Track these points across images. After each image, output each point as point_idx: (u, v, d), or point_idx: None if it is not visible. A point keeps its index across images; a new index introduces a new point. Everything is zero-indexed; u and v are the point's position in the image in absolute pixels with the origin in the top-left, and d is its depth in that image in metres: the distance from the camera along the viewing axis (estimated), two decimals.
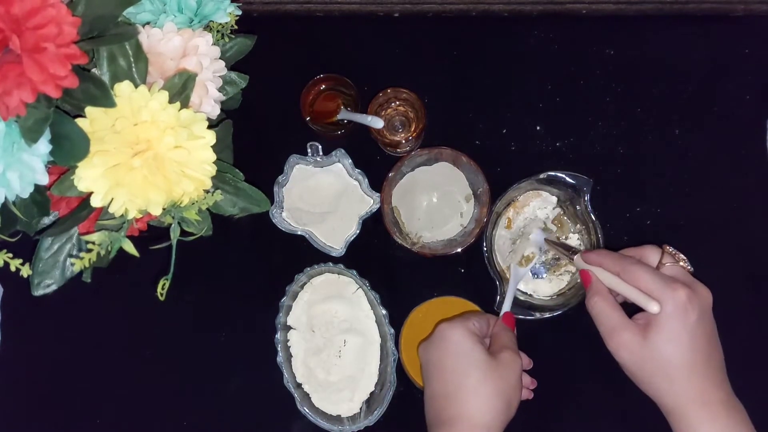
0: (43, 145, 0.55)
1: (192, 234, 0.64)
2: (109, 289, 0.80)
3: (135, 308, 0.82)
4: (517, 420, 0.79)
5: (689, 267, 0.66)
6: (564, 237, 0.79)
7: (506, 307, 0.74)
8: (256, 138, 0.82)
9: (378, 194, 0.80)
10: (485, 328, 0.71)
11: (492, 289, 0.76)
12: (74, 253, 0.65)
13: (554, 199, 0.80)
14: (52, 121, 0.54)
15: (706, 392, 0.61)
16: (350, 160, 0.80)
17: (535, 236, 0.78)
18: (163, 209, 0.60)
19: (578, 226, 0.79)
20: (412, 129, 0.79)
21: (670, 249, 0.67)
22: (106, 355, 0.82)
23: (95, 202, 0.57)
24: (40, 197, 0.60)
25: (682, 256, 0.67)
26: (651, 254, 0.67)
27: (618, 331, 0.64)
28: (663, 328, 0.61)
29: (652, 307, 0.62)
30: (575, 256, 0.70)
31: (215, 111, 0.65)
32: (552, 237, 0.78)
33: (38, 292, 0.65)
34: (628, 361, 0.63)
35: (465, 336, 0.67)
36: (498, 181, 0.78)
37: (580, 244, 0.79)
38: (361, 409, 0.78)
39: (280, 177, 0.80)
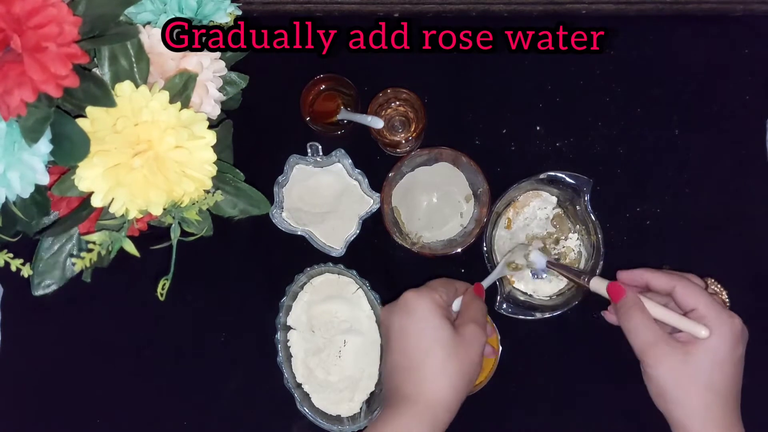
0: (44, 145, 0.55)
1: (192, 234, 0.64)
2: (109, 289, 0.80)
3: (135, 308, 0.82)
4: (517, 419, 0.79)
5: (727, 301, 0.66)
6: (564, 237, 0.79)
7: (485, 283, 0.73)
8: (256, 138, 0.82)
9: (378, 194, 0.79)
10: (452, 296, 0.69)
11: (492, 289, 0.76)
12: (74, 253, 0.65)
13: (554, 199, 0.80)
14: (52, 121, 0.55)
15: (734, 427, 0.61)
16: (350, 160, 0.80)
17: (536, 258, 0.75)
18: (164, 209, 0.60)
19: (578, 226, 0.79)
20: (412, 129, 0.79)
21: (715, 283, 0.67)
22: (106, 355, 0.82)
23: (96, 202, 0.58)
24: (40, 197, 0.60)
25: (725, 294, 0.67)
26: (697, 282, 0.67)
27: (659, 345, 0.62)
28: (713, 352, 0.61)
29: (700, 332, 0.61)
30: (592, 280, 0.69)
31: (215, 111, 0.65)
32: (552, 258, 0.76)
33: (38, 292, 0.66)
34: (664, 376, 0.62)
35: (431, 310, 0.65)
36: (498, 181, 0.78)
37: (580, 251, 0.79)
38: (361, 409, 0.78)
39: (280, 177, 0.80)
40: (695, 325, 0.62)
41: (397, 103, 0.80)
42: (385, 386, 0.68)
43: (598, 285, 0.69)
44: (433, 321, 0.65)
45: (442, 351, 0.64)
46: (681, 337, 0.64)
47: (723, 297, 0.66)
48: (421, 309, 0.65)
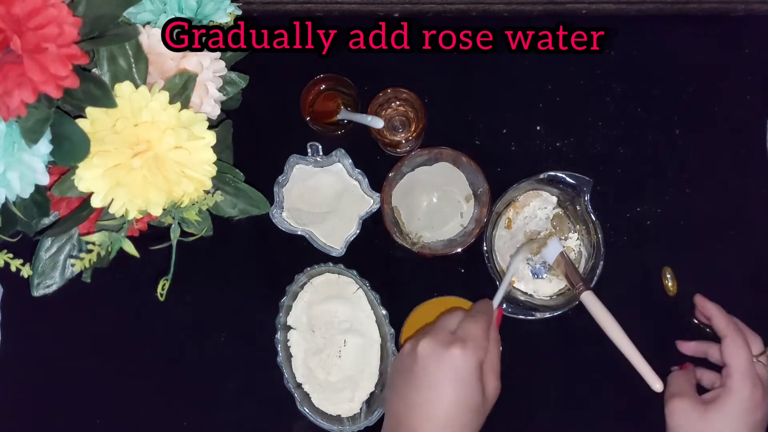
0: (44, 146, 0.55)
1: (192, 234, 0.64)
2: (109, 289, 0.80)
3: (135, 308, 0.82)
4: (517, 419, 0.79)
5: None
6: (564, 237, 0.79)
7: (497, 301, 0.73)
8: (256, 138, 0.82)
9: (378, 194, 0.79)
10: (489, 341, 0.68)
11: (492, 289, 0.76)
12: (74, 253, 0.65)
13: (554, 199, 0.80)
14: (52, 122, 0.54)
15: None
16: (350, 160, 0.80)
17: (554, 245, 0.76)
18: (164, 210, 0.60)
19: (578, 226, 0.79)
20: (412, 129, 0.79)
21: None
22: (106, 355, 0.82)
23: (95, 202, 0.57)
24: (40, 197, 0.60)
25: None
26: (754, 343, 0.71)
27: (682, 397, 0.68)
28: (726, 412, 0.66)
29: (654, 384, 0.69)
30: (584, 293, 0.73)
31: (215, 111, 0.65)
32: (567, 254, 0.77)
33: (38, 293, 0.66)
34: (679, 426, 0.68)
35: (474, 374, 0.64)
36: (498, 181, 0.78)
37: (581, 251, 0.79)
38: (361, 409, 0.78)
39: (280, 177, 0.80)
40: (653, 377, 0.69)
41: (397, 103, 0.80)
42: (387, 404, 0.69)
43: (588, 301, 0.73)
44: (470, 388, 0.64)
45: (472, 416, 0.64)
46: (707, 397, 0.69)
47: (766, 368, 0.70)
48: (465, 371, 0.64)
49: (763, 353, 0.70)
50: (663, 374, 0.70)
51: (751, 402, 0.66)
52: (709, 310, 0.73)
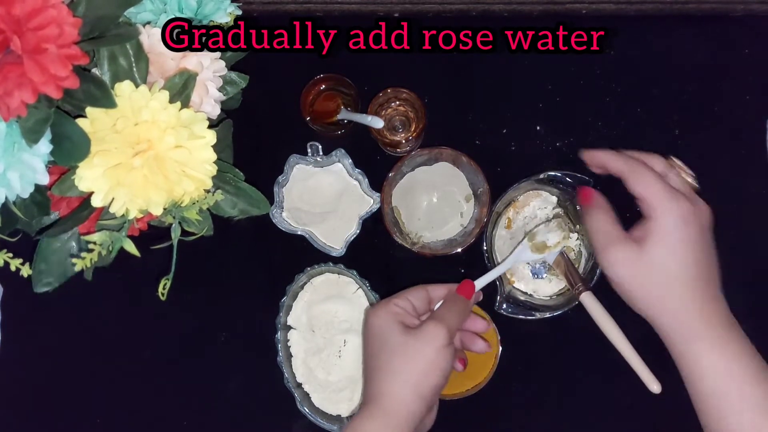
0: (44, 146, 0.55)
1: (193, 234, 0.64)
2: (109, 289, 0.80)
3: (135, 308, 0.82)
4: (517, 420, 0.79)
5: (696, 184, 0.65)
6: (564, 237, 0.79)
7: (484, 279, 0.72)
8: (256, 138, 0.82)
9: (378, 194, 0.80)
10: (422, 302, 0.69)
11: (492, 289, 0.76)
12: (75, 252, 0.65)
13: (554, 199, 0.80)
14: (52, 122, 0.54)
15: (706, 308, 0.60)
16: (350, 160, 0.80)
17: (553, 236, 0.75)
18: (164, 209, 0.60)
19: (578, 226, 0.79)
20: (412, 129, 0.79)
21: (677, 162, 0.65)
22: (106, 355, 0.82)
23: (96, 202, 0.58)
24: (40, 197, 0.60)
25: (689, 171, 0.65)
26: (656, 164, 0.65)
27: (615, 245, 0.63)
28: (662, 240, 0.61)
29: (652, 386, 0.65)
30: (583, 294, 0.70)
31: (215, 111, 0.65)
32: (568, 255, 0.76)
33: (40, 289, 0.65)
34: (623, 276, 0.62)
35: (381, 317, 0.66)
36: (498, 181, 0.78)
37: (581, 251, 0.79)
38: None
39: (280, 177, 0.80)
40: (650, 378, 0.65)
41: (397, 103, 0.80)
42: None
43: (588, 301, 0.70)
44: (381, 327, 0.66)
45: (386, 352, 0.64)
46: (635, 233, 0.63)
47: (687, 178, 0.65)
48: (372, 319, 0.66)
49: (670, 166, 0.66)
50: (661, 376, 0.70)
51: (681, 218, 0.61)
52: (599, 158, 0.66)
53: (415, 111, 0.80)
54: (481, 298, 0.72)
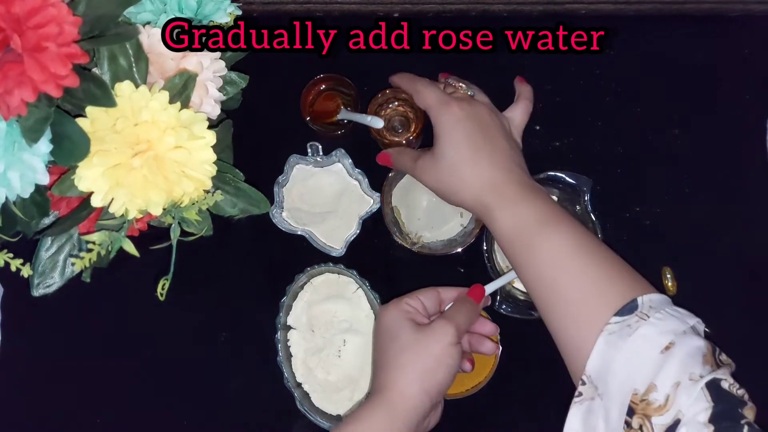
0: (44, 145, 0.55)
1: (192, 234, 0.64)
2: (109, 289, 0.80)
3: (135, 308, 0.82)
4: (517, 420, 0.79)
5: (470, 92, 0.74)
6: None
7: (494, 284, 0.74)
8: (256, 138, 0.82)
9: (378, 194, 0.80)
10: (432, 302, 0.71)
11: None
12: (74, 253, 0.65)
13: (554, 199, 0.80)
14: (52, 121, 0.54)
15: (495, 177, 0.68)
16: (350, 160, 0.80)
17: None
18: (164, 209, 0.60)
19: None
20: (412, 129, 0.79)
21: (451, 80, 0.75)
22: (106, 355, 0.82)
23: (95, 202, 0.57)
24: (40, 197, 0.60)
25: (461, 84, 0.75)
26: (436, 83, 0.75)
27: (416, 161, 0.73)
28: (443, 140, 0.70)
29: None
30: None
31: (215, 111, 0.65)
32: None
33: (38, 293, 0.65)
34: (429, 180, 0.72)
35: (393, 314, 0.69)
36: None
37: None
38: None
39: (280, 177, 0.80)
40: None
41: (397, 103, 0.80)
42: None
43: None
44: (391, 323, 0.68)
45: (397, 345, 0.67)
46: (427, 149, 0.73)
47: (462, 90, 0.74)
48: (383, 315, 0.70)
49: (449, 85, 0.75)
50: None
51: (454, 118, 0.70)
52: (395, 81, 0.76)
53: (414, 111, 0.79)
54: (489, 302, 0.75)
